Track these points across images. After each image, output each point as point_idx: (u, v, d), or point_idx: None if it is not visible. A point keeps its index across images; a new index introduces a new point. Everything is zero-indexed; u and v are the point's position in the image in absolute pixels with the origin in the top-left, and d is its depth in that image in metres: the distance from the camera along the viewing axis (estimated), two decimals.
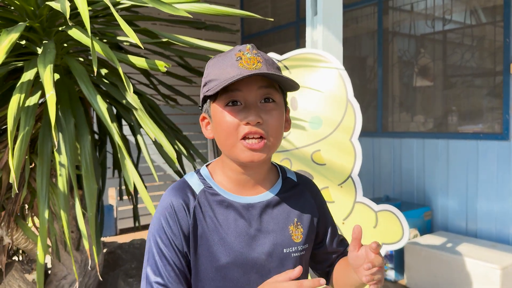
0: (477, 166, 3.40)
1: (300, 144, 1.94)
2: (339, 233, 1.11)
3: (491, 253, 2.93)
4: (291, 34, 5.17)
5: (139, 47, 2.13)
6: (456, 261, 2.89)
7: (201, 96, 0.94)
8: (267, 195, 0.97)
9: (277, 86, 0.92)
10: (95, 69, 1.31)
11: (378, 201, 3.35)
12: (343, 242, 1.09)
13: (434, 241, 3.22)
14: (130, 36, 1.32)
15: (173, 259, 0.92)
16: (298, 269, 0.84)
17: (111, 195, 4.93)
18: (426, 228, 3.65)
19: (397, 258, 3.31)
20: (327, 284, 1.08)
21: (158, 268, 0.92)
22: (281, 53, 2.16)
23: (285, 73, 2.05)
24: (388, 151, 4.03)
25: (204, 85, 0.92)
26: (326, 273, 1.09)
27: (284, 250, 0.95)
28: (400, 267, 3.33)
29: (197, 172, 0.99)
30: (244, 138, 0.88)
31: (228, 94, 0.88)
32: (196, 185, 0.96)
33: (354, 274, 0.92)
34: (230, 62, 0.88)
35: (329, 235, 1.06)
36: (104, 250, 3.07)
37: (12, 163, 1.37)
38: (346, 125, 1.88)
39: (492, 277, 2.71)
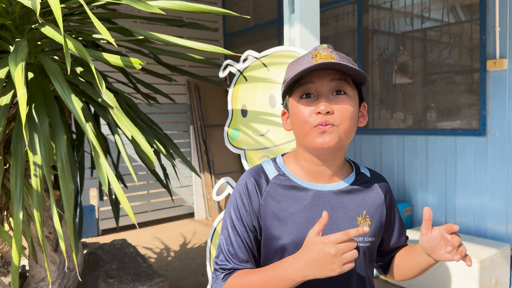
0: (455, 161, 3.46)
1: (278, 141, 1.94)
2: (405, 231, 1.15)
3: (469, 247, 2.98)
4: (273, 32, 5.18)
5: (117, 44, 2.11)
6: None
7: (281, 94, 1.03)
8: (339, 185, 1.02)
9: (350, 80, 0.97)
10: (69, 67, 1.29)
11: None
12: (405, 237, 1.15)
13: (415, 236, 3.26)
14: (103, 33, 1.30)
15: (242, 233, 1.00)
16: (325, 214, 0.87)
17: (92, 196, 4.87)
18: (407, 223, 3.70)
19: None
20: (386, 274, 1.16)
21: (230, 238, 1.01)
22: (264, 51, 2.16)
23: (263, 70, 2.05)
24: (369, 148, 4.08)
25: (284, 83, 1.00)
26: (387, 264, 1.14)
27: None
28: None
29: (273, 160, 1.07)
30: (317, 126, 0.93)
31: (302, 87, 0.94)
32: (271, 171, 1.03)
33: (421, 257, 1.00)
34: (306, 60, 0.95)
35: (396, 232, 1.10)
36: (85, 251, 3.03)
37: None
38: None
39: (470, 271, 2.76)
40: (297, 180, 1.01)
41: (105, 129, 2.76)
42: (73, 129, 2.57)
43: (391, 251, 1.14)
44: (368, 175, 1.08)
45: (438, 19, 3.70)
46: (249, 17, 1.80)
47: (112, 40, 1.33)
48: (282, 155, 1.08)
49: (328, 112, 0.92)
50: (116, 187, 1.66)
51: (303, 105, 0.95)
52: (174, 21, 2.53)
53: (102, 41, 2.06)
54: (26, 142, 1.33)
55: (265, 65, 2.05)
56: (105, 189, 1.52)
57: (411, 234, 3.30)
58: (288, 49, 2.02)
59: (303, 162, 1.02)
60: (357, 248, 0.97)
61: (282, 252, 0.98)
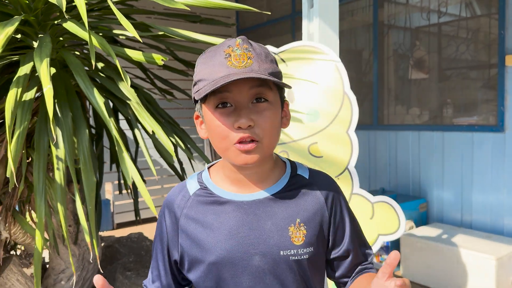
0: (472, 158, 3.43)
1: (297, 136, 1.94)
2: (363, 243, 1.00)
3: (486, 244, 2.96)
4: (286, 27, 5.17)
5: (134, 40, 2.13)
6: (451, 252, 2.93)
7: (192, 96, 0.89)
8: (267, 192, 0.90)
9: (271, 83, 0.85)
10: (94, 64, 1.31)
11: (374, 193, 3.37)
12: (366, 255, 0.99)
13: (430, 233, 3.25)
14: (128, 29, 1.31)
15: (163, 256, 0.96)
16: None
17: (107, 190, 4.93)
18: (422, 220, 3.68)
19: (393, 249, 3.33)
20: None
21: (152, 264, 0.98)
22: (277, 46, 2.16)
23: (281, 66, 2.05)
24: (384, 144, 4.06)
25: (194, 85, 0.87)
26: (344, 284, 0.99)
27: (281, 253, 0.87)
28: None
29: (200, 173, 0.97)
30: (238, 142, 0.83)
31: (217, 96, 0.82)
32: (193, 186, 0.94)
33: None
34: (218, 60, 0.82)
35: (348, 242, 0.95)
36: (102, 244, 3.08)
37: (11, 158, 1.37)
38: (342, 118, 1.89)
39: (487, 268, 2.74)
40: (218, 192, 0.91)
41: (122, 124, 2.79)
42: (91, 123, 2.60)
43: (343, 267, 0.97)
44: (307, 176, 0.95)
45: (455, 14, 3.66)
46: (269, 13, 1.80)
47: (138, 37, 1.34)
48: (210, 166, 0.98)
49: (249, 125, 0.81)
50: (138, 181, 1.69)
51: (220, 118, 0.83)
52: (190, 16, 2.54)
53: (121, 36, 2.08)
54: (55, 137, 1.36)
55: (283, 60, 2.05)
56: (129, 183, 1.55)
57: (426, 231, 3.30)
58: (307, 44, 2.02)
59: (227, 171, 0.92)
60: (289, 261, 0.88)
61: (207, 271, 0.89)
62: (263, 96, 0.83)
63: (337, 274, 0.98)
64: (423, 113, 3.91)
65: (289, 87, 0.86)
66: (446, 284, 2.97)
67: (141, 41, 1.41)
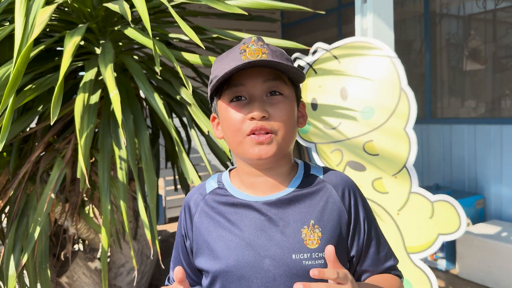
0: None
1: (351, 134, 1.93)
2: (384, 243, 0.93)
3: None
4: (332, 21, 5.09)
5: (186, 42, 2.18)
6: (510, 250, 2.80)
7: (208, 94, 0.88)
8: (279, 195, 0.86)
9: (286, 78, 0.85)
10: (158, 71, 1.36)
11: (428, 190, 3.28)
12: (387, 256, 0.92)
13: (487, 230, 3.12)
14: (190, 36, 1.34)
15: (181, 253, 0.97)
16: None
17: (159, 186, 5.10)
18: (479, 216, 3.54)
19: (449, 247, 3.24)
20: None
21: (172, 260, 1.00)
22: (323, 40, 2.14)
23: (334, 63, 2.04)
24: (438, 138, 3.93)
25: (210, 83, 0.86)
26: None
27: (293, 256, 0.82)
28: (451, 257, 3.26)
29: (220, 173, 0.97)
30: (251, 134, 0.81)
31: (232, 89, 0.82)
32: (211, 185, 0.93)
33: None
34: (233, 56, 0.82)
35: (366, 241, 0.89)
36: (159, 238, 3.19)
37: (82, 161, 1.45)
38: (400, 114, 1.85)
39: None
40: (234, 193, 0.89)
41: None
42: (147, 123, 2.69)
43: (364, 272, 0.92)
44: (321, 176, 0.90)
45: None
46: (323, 12, 1.79)
47: (200, 44, 1.37)
48: (231, 169, 0.97)
49: (263, 117, 0.80)
50: (196, 180, 1.74)
51: (234, 110, 0.82)
52: (241, 15, 2.56)
53: (175, 40, 2.14)
54: (124, 141, 1.43)
55: (335, 57, 2.04)
56: (189, 182, 1.60)
57: (484, 228, 3.18)
58: (360, 39, 1.99)
59: (242, 175, 0.90)
60: (302, 266, 0.82)
61: (217, 274, 0.87)
62: (277, 89, 0.83)
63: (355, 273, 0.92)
64: (479, 105, 3.75)
65: (304, 75, 0.84)
66: (505, 283, 2.85)
67: (204, 48, 1.44)
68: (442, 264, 3.27)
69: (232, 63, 0.80)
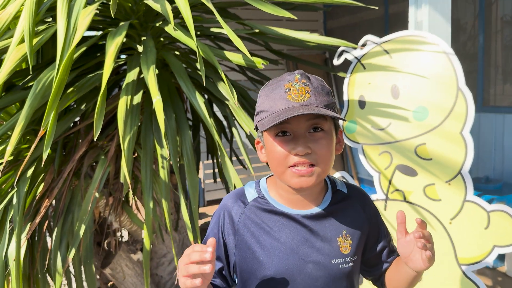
0: None
1: (402, 136, 1.82)
2: (394, 243, 1.09)
3: None
4: (379, 12, 4.82)
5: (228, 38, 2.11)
6: None
7: (254, 124, 0.99)
8: (316, 209, 0.99)
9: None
10: (204, 77, 1.31)
11: (477, 182, 3.11)
12: (394, 252, 1.09)
13: None
14: (234, 42, 1.28)
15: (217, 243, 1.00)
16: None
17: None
18: None
19: None
20: None
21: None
22: (369, 34, 2.01)
23: (384, 57, 1.91)
24: (489, 128, 3.70)
25: (257, 114, 0.96)
26: (378, 279, 1.10)
27: (332, 261, 0.97)
28: (500, 254, 3.12)
29: (257, 182, 1.05)
30: (293, 165, 0.91)
31: (278, 126, 0.91)
32: (251, 194, 1.02)
33: (403, 268, 0.96)
34: (279, 94, 0.91)
35: (381, 245, 1.06)
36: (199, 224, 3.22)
37: (125, 163, 1.44)
38: (456, 116, 1.73)
39: None
40: (275, 204, 0.99)
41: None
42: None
43: (377, 264, 1.08)
44: (346, 191, 1.05)
45: None
46: (377, 7, 1.66)
47: (245, 51, 1.30)
48: (267, 177, 1.05)
49: (307, 152, 0.90)
50: (237, 182, 1.70)
51: (279, 144, 0.92)
52: (284, 4, 2.45)
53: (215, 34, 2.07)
54: (167, 147, 1.40)
55: (386, 52, 1.91)
56: (231, 188, 1.56)
57: None
58: (414, 33, 1.85)
59: (281, 190, 1.00)
60: (339, 268, 0.97)
61: (262, 279, 0.97)
62: (319, 126, 0.92)
63: (372, 270, 1.08)
64: None
65: (343, 119, 0.91)
66: None
67: (250, 56, 1.37)
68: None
69: (279, 102, 0.90)
